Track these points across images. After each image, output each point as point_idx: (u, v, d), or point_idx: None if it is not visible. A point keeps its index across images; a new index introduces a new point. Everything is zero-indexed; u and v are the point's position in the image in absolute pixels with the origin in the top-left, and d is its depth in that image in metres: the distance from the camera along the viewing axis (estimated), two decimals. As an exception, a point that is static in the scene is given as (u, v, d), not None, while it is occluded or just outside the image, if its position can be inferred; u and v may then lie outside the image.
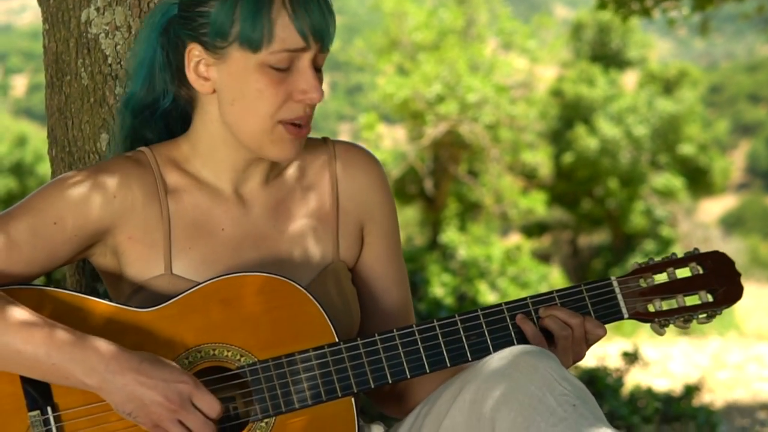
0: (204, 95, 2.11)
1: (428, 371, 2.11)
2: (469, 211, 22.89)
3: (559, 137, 24.85)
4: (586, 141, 24.14)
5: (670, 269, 2.29)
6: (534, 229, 26.28)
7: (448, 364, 2.12)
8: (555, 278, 21.11)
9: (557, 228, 27.11)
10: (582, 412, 1.89)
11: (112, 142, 2.27)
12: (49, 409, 1.95)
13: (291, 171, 2.24)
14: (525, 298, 2.19)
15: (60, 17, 2.43)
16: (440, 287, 15.84)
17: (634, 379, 8.28)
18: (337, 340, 2.07)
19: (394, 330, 2.10)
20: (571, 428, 1.86)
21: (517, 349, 1.99)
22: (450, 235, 21.17)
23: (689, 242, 25.24)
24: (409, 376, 2.10)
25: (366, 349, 2.08)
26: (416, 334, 2.11)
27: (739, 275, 2.31)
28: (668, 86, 26.25)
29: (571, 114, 25.02)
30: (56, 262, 2.07)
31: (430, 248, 21.28)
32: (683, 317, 2.28)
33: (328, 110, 56.63)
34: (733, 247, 28.95)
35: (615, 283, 2.24)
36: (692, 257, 2.32)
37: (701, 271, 2.30)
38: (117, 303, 2.04)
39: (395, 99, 20.61)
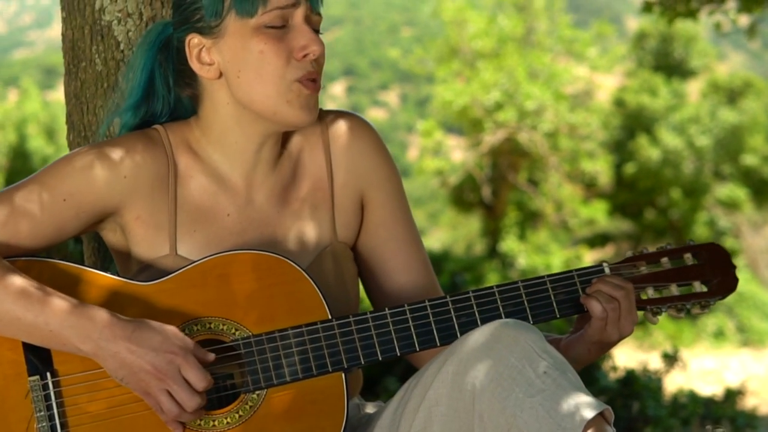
0: (209, 83, 2.18)
1: (418, 350, 2.16)
2: (529, 219, 22.82)
3: (621, 147, 24.68)
4: (648, 151, 23.94)
5: (665, 259, 2.31)
6: (597, 240, 26.11)
7: (438, 344, 2.16)
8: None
9: (620, 238, 26.90)
10: (561, 383, 1.92)
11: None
12: (48, 374, 2.03)
13: (293, 152, 2.29)
14: (516, 282, 2.23)
15: (76, 5, 2.53)
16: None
17: (686, 384, 8.23)
18: (330, 317, 2.13)
19: (386, 309, 2.16)
20: (549, 399, 1.90)
21: (499, 322, 2.02)
22: (510, 243, 21.12)
23: (752, 254, 24.91)
24: (398, 354, 2.15)
25: (357, 326, 2.13)
26: (407, 313, 2.16)
27: (734, 267, 2.33)
28: (732, 96, 25.95)
29: (633, 124, 24.84)
30: (63, 236, 2.15)
31: (490, 257, 21.26)
32: (676, 306, 2.29)
33: (398, 121, 56.62)
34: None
35: (607, 270, 2.27)
36: (687, 248, 2.33)
37: (696, 262, 2.32)
38: (117, 276, 2.11)
39: (454, 106, 20.64)
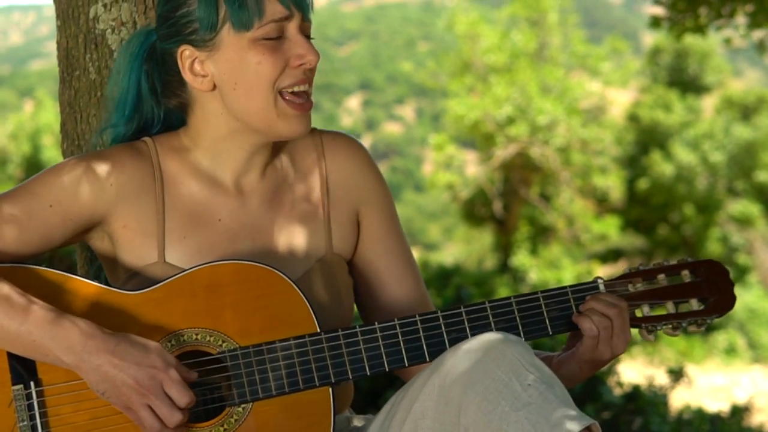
0: (200, 94, 2.17)
1: (407, 365, 2.13)
2: (541, 234, 22.79)
3: (634, 162, 24.67)
4: (662, 166, 23.92)
5: (661, 276, 2.27)
6: (610, 256, 26.07)
7: (428, 359, 2.13)
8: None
9: (633, 254, 26.86)
10: (547, 396, 1.90)
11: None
12: (32, 384, 2.01)
13: (284, 161, 2.29)
14: (509, 297, 2.20)
15: (70, 14, 2.52)
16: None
17: (696, 401, 8.19)
18: (318, 330, 2.11)
19: (376, 323, 2.14)
20: (535, 413, 1.88)
21: (487, 335, 2.01)
22: (521, 258, 21.09)
23: (765, 271, 24.83)
24: (387, 369, 2.13)
25: (346, 340, 2.11)
26: (397, 327, 2.14)
27: (732, 285, 2.28)
28: (746, 113, 25.93)
29: (646, 139, 24.83)
30: (50, 244, 2.14)
31: (501, 271, 21.23)
32: (672, 324, 2.25)
33: (413, 136, 56.65)
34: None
35: (601, 286, 2.24)
36: (685, 265, 2.30)
37: (693, 279, 2.28)
38: (104, 284, 2.10)
39: (466, 120, 20.64)
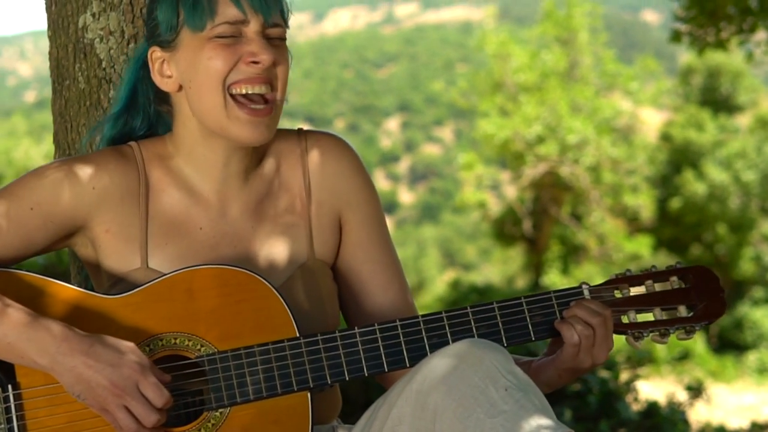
0: (177, 97, 2.20)
1: (386, 371, 2.12)
2: (572, 254, 22.68)
3: (667, 181, 24.54)
4: (694, 186, 23.78)
5: (649, 282, 2.25)
6: (643, 276, 25.87)
7: (408, 365, 2.12)
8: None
9: (667, 274, 26.63)
10: (524, 404, 1.89)
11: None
12: (9, 387, 2.02)
13: (268, 168, 2.28)
14: (491, 302, 2.19)
15: (60, 23, 2.55)
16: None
17: (724, 419, 8.12)
18: (298, 335, 2.11)
19: (356, 328, 2.13)
20: (510, 420, 1.87)
21: (465, 341, 2.00)
22: (552, 277, 20.99)
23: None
24: (366, 374, 2.12)
25: (325, 345, 2.10)
26: (377, 332, 2.13)
27: (722, 291, 2.25)
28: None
29: (679, 159, 24.71)
30: (32, 248, 2.14)
31: (533, 290, 21.15)
32: (659, 331, 2.22)
33: (452, 157, 56.59)
34: None
35: (586, 292, 2.22)
36: (674, 271, 2.27)
37: (682, 286, 2.25)
38: (83, 288, 2.10)
39: (495, 140, 20.62)
